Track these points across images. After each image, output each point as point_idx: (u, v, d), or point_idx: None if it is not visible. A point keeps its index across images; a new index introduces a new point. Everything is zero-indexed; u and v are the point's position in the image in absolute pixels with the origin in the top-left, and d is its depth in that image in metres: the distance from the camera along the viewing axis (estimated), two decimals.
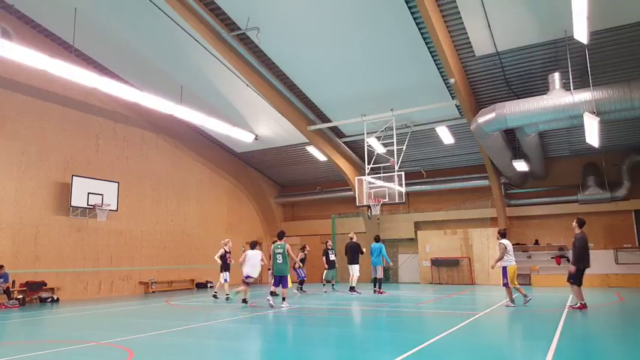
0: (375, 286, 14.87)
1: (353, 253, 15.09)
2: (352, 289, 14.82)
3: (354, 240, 15.45)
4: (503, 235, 11.09)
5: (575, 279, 9.90)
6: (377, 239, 15.29)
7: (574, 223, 10.30)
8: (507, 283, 10.72)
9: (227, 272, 13.45)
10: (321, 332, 8.05)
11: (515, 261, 11.07)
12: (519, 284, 11.42)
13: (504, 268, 10.73)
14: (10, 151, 13.53)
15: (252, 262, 11.51)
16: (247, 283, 11.83)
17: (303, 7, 11.71)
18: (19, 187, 13.64)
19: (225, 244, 13.70)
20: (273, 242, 11.85)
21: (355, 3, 11.38)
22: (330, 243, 16.26)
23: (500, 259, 10.80)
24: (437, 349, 6.14)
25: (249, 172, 22.72)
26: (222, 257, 13.47)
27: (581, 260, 10.01)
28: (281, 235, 11.64)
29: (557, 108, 11.64)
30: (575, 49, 11.77)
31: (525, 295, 10.89)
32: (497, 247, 11.12)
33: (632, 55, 12.27)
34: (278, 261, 11.10)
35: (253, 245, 11.92)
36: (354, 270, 15.02)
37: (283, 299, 11.10)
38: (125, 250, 16.45)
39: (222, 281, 13.37)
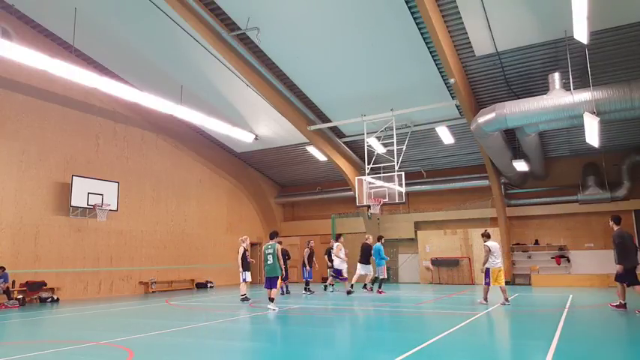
0: (370, 285, 15.08)
1: (366, 253, 14.89)
2: (364, 287, 15.11)
3: (369, 242, 15.21)
4: (488, 236, 11.21)
5: (627, 278, 9.48)
6: (379, 239, 15.31)
7: (610, 222, 10.08)
8: (489, 283, 10.87)
9: (247, 272, 12.99)
10: (320, 332, 8.05)
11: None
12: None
13: (487, 270, 10.89)
14: (10, 151, 13.53)
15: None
16: (344, 277, 14.19)
17: (304, 7, 11.71)
18: (19, 187, 13.64)
19: (243, 241, 13.13)
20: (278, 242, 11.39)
21: (355, 3, 11.38)
22: (332, 243, 16.23)
23: (486, 261, 10.92)
24: (437, 349, 6.14)
25: (249, 172, 22.72)
26: (243, 256, 12.96)
27: (626, 258, 9.52)
28: (272, 235, 11.18)
29: (557, 108, 11.63)
30: (575, 49, 11.77)
31: (506, 299, 11.02)
32: (483, 249, 11.22)
33: (632, 55, 12.27)
34: (268, 262, 10.71)
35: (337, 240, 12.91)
36: (366, 269, 14.81)
37: (271, 300, 10.65)
38: (125, 250, 16.45)
39: (242, 280, 12.99)
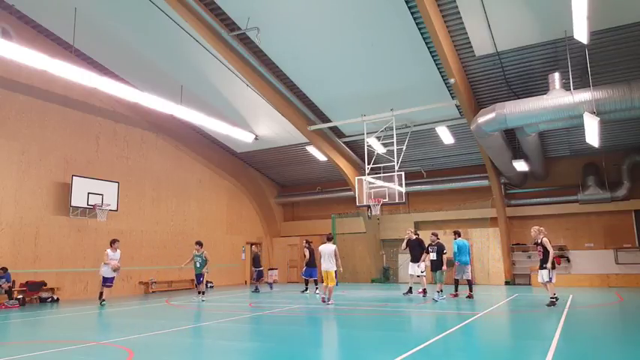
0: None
1: (417, 249, 13.82)
2: (425, 291, 13.75)
3: (414, 236, 14.11)
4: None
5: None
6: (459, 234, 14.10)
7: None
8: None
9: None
10: (321, 332, 8.05)
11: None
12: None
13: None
14: (10, 151, 13.53)
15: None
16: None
17: (304, 7, 11.71)
18: (19, 187, 13.63)
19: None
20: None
21: (355, 3, 11.38)
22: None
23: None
24: (437, 349, 6.15)
25: (249, 172, 22.72)
26: None
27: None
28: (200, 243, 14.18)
29: (557, 108, 11.63)
30: (575, 49, 11.77)
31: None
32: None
33: (632, 55, 12.27)
34: (197, 264, 13.89)
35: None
36: (417, 269, 13.70)
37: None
38: (125, 250, 16.31)
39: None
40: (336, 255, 11.63)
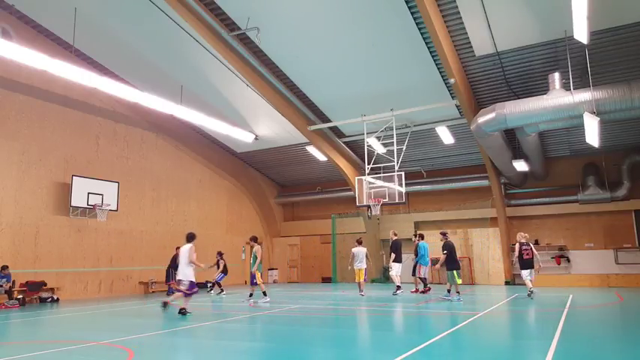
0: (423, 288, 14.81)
1: (400, 250, 14.61)
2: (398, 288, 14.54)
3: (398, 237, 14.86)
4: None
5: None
6: (422, 236, 15.09)
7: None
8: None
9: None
10: (321, 332, 8.04)
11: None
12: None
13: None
14: (10, 151, 13.53)
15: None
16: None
17: (304, 8, 11.72)
18: (19, 187, 13.64)
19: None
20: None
21: (355, 3, 11.38)
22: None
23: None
24: (437, 349, 6.14)
25: (249, 172, 22.72)
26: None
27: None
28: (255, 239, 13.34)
29: (557, 108, 11.63)
30: (575, 49, 11.77)
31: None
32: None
33: (632, 55, 12.27)
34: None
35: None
36: (398, 268, 14.56)
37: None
38: (125, 250, 16.44)
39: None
40: (367, 256, 14.00)
